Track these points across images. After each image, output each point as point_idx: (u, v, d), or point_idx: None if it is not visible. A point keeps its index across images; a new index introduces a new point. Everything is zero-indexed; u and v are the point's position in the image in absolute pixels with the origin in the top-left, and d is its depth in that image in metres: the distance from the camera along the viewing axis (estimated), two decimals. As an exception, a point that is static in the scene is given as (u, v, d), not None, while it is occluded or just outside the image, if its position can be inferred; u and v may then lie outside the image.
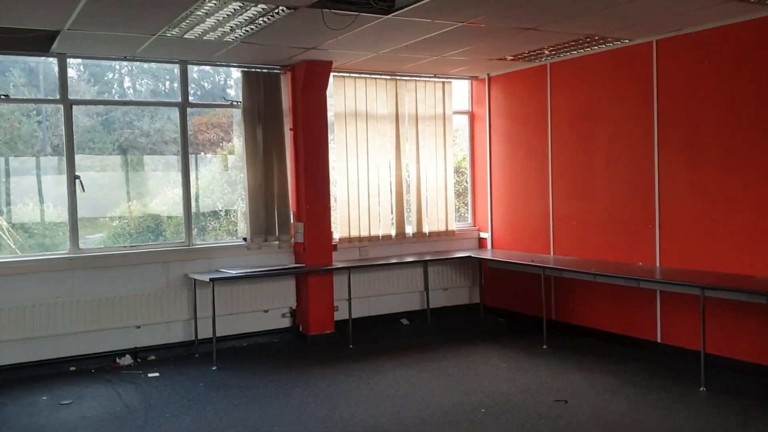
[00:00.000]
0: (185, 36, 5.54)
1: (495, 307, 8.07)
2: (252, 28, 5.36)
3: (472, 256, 7.63)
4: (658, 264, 6.19)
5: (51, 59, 6.16)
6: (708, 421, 4.53)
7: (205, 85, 7.45)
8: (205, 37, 5.61)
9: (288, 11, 4.84)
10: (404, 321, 7.78)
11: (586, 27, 5.69)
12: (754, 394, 5.04)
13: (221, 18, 5.05)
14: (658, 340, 6.25)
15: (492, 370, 5.88)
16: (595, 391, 5.21)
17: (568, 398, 5.03)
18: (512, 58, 7.00)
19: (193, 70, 7.04)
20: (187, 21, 5.11)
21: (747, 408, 4.75)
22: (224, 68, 7.14)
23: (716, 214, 5.72)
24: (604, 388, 5.28)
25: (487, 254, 7.75)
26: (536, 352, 6.40)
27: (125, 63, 6.77)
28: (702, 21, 5.56)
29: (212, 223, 7.18)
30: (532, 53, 6.76)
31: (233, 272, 6.46)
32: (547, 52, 6.68)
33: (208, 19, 5.09)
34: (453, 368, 5.93)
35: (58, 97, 6.21)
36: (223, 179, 7.34)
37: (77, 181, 6.27)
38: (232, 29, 5.39)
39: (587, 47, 6.48)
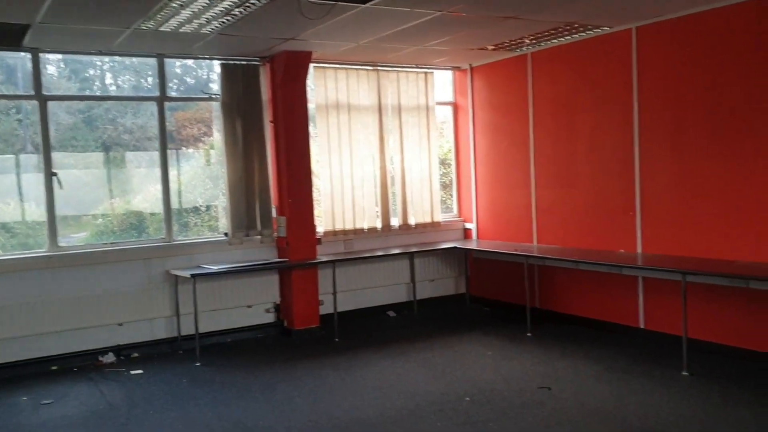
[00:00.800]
0: (161, 28, 5.48)
1: (481, 296, 8.07)
2: (229, 19, 5.31)
3: (458, 246, 7.62)
4: (640, 250, 6.20)
5: (25, 54, 6.07)
6: (689, 405, 4.55)
7: (188, 80, 7.38)
8: (181, 30, 5.55)
9: (264, 1, 4.79)
10: (391, 313, 7.77)
11: (566, 14, 5.67)
12: (736, 377, 5.07)
13: (196, 9, 5.00)
14: (642, 326, 6.27)
15: (477, 359, 5.88)
16: (579, 377, 5.22)
17: (551, 385, 5.03)
18: (493, 47, 6.98)
19: (176, 65, 6.98)
20: (162, 13, 5.05)
21: (728, 391, 4.77)
22: (207, 62, 7.06)
23: (697, 200, 5.73)
24: (588, 374, 5.29)
25: (472, 245, 7.74)
26: (521, 340, 6.40)
27: (106, 59, 6.70)
28: (682, 7, 5.55)
29: (194, 219, 7.13)
30: (513, 42, 6.74)
31: (214, 268, 6.41)
32: (527, 41, 6.67)
33: (183, 11, 5.03)
34: (439, 358, 5.92)
35: (32, 93, 6.12)
36: (206, 174, 7.28)
37: (54, 177, 6.20)
38: (208, 21, 5.33)
39: (567, 35, 6.47)
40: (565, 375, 5.29)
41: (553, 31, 6.27)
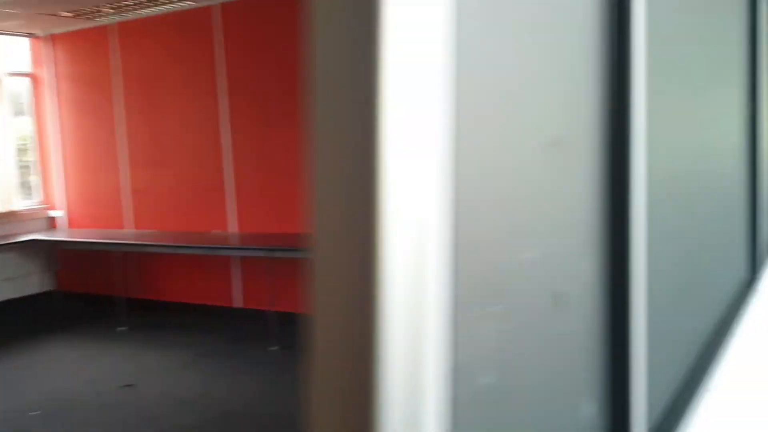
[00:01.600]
0: None
1: (73, 291, 7.24)
2: None
3: (40, 238, 6.72)
4: (236, 230, 6.20)
5: None
6: (272, 378, 4.65)
7: None
8: None
9: None
10: (-45, 323, 6.51)
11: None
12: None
13: None
14: (241, 306, 6.29)
15: (57, 364, 5.24)
16: (168, 368, 4.98)
17: (137, 381, 4.69)
18: (71, 15, 6.24)
19: None
20: None
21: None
22: None
23: (276, 177, 5.87)
24: (178, 364, 5.08)
25: (59, 235, 6.91)
26: (112, 336, 5.91)
27: None
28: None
29: None
30: (92, 11, 6.12)
31: None
32: (108, 9, 6.10)
33: None
34: (8, 370, 5.12)
35: None
36: None
37: None
38: None
39: (153, 7, 6.08)
40: (153, 368, 5.00)
41: (134, 3, 5.83)
